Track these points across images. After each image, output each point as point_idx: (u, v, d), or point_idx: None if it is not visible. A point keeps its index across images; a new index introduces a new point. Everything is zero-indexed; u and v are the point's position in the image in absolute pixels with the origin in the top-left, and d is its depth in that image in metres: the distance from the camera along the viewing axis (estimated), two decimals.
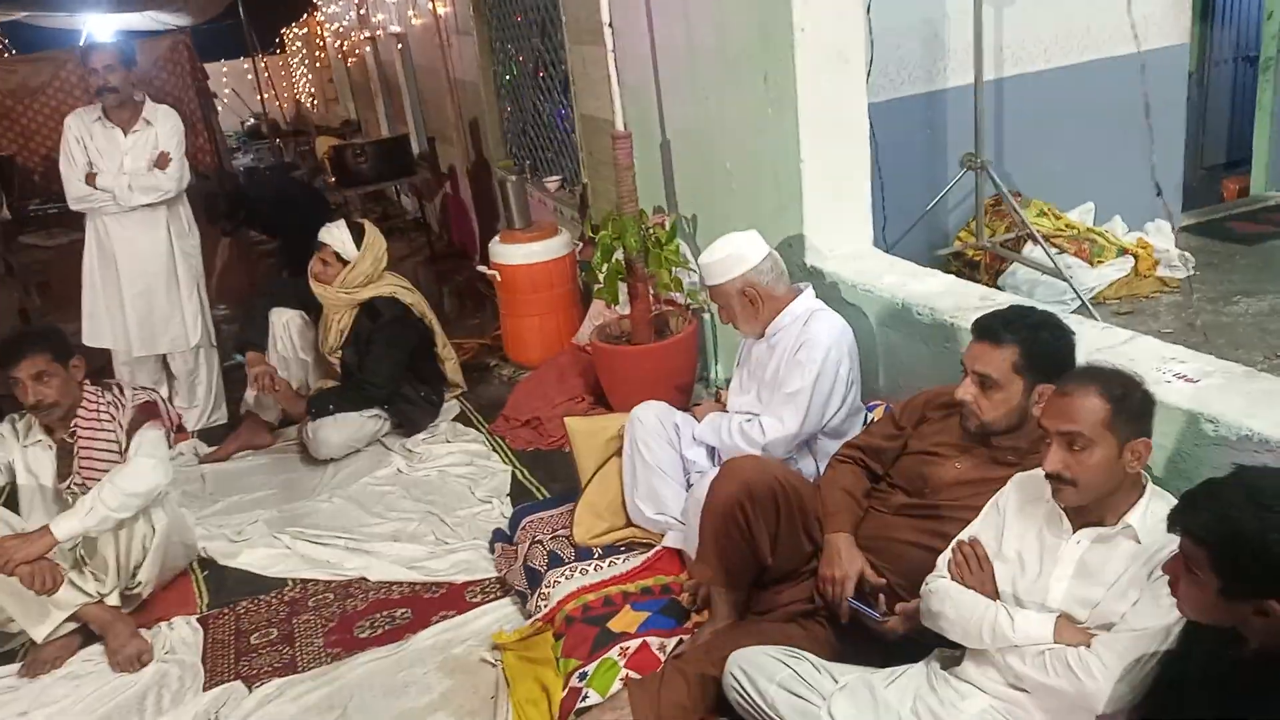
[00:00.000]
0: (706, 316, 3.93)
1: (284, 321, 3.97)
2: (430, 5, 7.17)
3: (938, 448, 2.20)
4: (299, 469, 3.79)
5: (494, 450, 3.74)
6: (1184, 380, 2.00)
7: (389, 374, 3.85)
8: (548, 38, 5.40)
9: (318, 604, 2.89)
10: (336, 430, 3.75)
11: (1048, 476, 1.76)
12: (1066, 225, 4.61)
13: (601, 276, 3.69)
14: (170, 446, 2.96)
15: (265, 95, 16.32)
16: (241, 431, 4.01)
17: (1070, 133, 4.79)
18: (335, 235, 3.85)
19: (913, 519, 2.18)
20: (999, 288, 4.54)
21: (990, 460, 2.12)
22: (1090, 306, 3.95)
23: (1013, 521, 1.95)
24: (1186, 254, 4.57)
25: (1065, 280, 4.02)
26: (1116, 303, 4.32)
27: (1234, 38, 6.64)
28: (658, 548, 2.65)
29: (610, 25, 3.64)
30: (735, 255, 2.68)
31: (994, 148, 4.45)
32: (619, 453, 2.92)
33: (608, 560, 2.67)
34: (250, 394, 3.96)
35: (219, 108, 14.91)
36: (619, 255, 3.70)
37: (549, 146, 5.92)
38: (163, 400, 2.97)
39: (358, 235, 3.89)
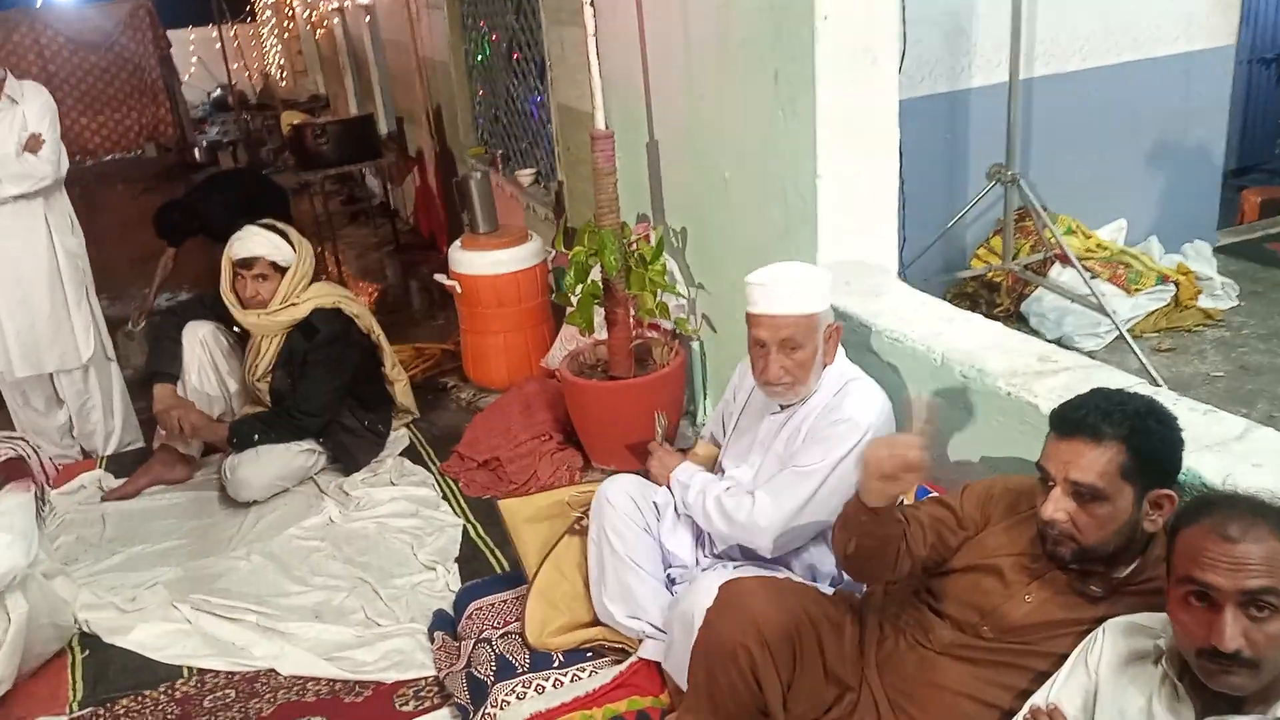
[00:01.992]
0: (695, 345, 3.42)
1: (200, 339, 3.39)
2: None
3: (1000, 567, 1.69)
4: (216, 513, 3.25)
5: (444, 497, 3.21)
6: None
7: (326, 402, 3.31)
8: (524, 16, 4.84)
9: (215, 705, 2.36)
10: (259, 469, 3.20)
11: (1221, 657, 1.25)
12: (1098, 245, 4.13)
13: (575, 300, 3.16)
14: (44, 504, 2.43)
15: (233, 66, 15.60)
16: (153, 464, 3.44)
17: (1102, 141, 4.30)
18: (264, 242, 3.27)
19: (967, 663, 1.68)
20: (1021, 314, 4.08)
21: (1073, 591, 1.63)
22: (1131, 342, 3.47)
23: (1109, 688, 1.46)
24: (1231, 282, 4.10)
25: (1104, 311, 3.53)
26: (1155, 337, 3.84)
27: (1249, 39, 6.23)
28: (633, 659, 2.14)
29: (591, 4, 3.10)
30: (824, 285, 2.13)
31: (1019, 155, 3.95)
32: (573, 530, 2.41)
33: (569, 673, 2.15)
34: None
35: (185, 78, 14.23)
36: (595, 275, 3.18)
37: (524, 136, 5.37)
38: (33, 452, 2.43)
39: (281, 235, 3.33)
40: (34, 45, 12.75)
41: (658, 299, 3.17)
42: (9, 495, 2.26)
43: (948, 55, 3.94)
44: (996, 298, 4.12)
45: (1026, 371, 2.09)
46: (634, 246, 3.20)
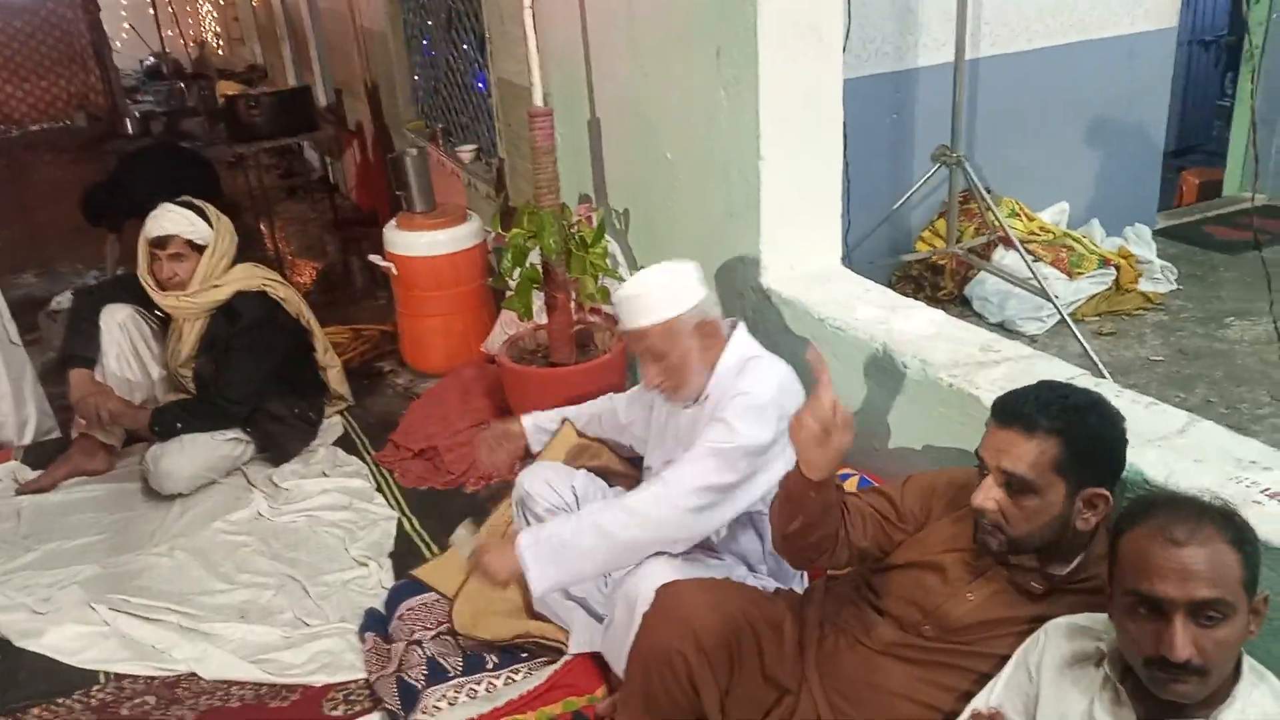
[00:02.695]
0: None
1: (119, 322, 3.22)
2: None
3: (943, 563, 1.66)
4: (138, 505, 3.10)
5: (379, 489, 3.10)
6: (1277, 500, 1.49)
7: (252, 389, 3.17)
8: None
9: (133, 712, 2.24)
10: (184, 460, 3.06)
11: (1171, 666, 1.22)
12: (1041, 228, 4.14)
13: (513, 284, 3.07)
14: None
15: (167, 33, 15.04)
16: (72, 454, 3.28)
17: (1046, 122, 4.31)
18: (179, 220, 3.10)
19: (907, 663, 1.64)
20: (965, 297, 4.07)
21: (1014, 589, 1.60)
22: (1073, 326, 3.48)
23: (1051, 690, 1.44)
24: (1170, 266, 4.14)
25: (1046, 296, 3.53)
26: (1096, 321, 3.86)
27: (1189, 21, 6.30)
28: (566, 657, 2.08)
29: None
30: (683, 282, 2.03)
31: (964, 137, 3.93)
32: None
33: (502, 675, 2.08)
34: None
35: (116, 45, 13.69)
36: (535, 258, 3.08)
37: (464, 110, 5.22)
38: None
39: (198, 212, 3.17)
40: None
41: (599, 283, 3.08)
42: None
43: (895, 34, 3.90)
44: (940, 281, 4.11)
45: (969, 362, 2.05)
46: (575, 228, 3.11)
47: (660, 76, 2.90)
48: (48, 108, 13.05)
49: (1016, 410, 1.53)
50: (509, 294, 3.18)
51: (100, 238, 5.37)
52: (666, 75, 2.86)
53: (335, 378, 3.57)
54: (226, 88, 10.12)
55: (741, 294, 2.69)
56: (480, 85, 4.88)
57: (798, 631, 1.76)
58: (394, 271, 3.80)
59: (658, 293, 2.00)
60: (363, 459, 3.29)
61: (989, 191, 3.93)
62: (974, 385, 1.96)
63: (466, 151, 4.90)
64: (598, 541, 1.88)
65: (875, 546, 1.75)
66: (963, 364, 2.04)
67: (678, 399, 2.08)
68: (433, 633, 2.24)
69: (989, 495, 1.53)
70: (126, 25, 15.32)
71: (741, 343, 2.10)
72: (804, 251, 2.59)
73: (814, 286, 2.50)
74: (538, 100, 3.02)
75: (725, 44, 2.51)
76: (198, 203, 3.21)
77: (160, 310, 3.24)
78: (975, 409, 1.93)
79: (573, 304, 3.15)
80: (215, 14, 15.04)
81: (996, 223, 3.74)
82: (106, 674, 2.37)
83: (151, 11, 14.64)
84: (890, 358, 2.15)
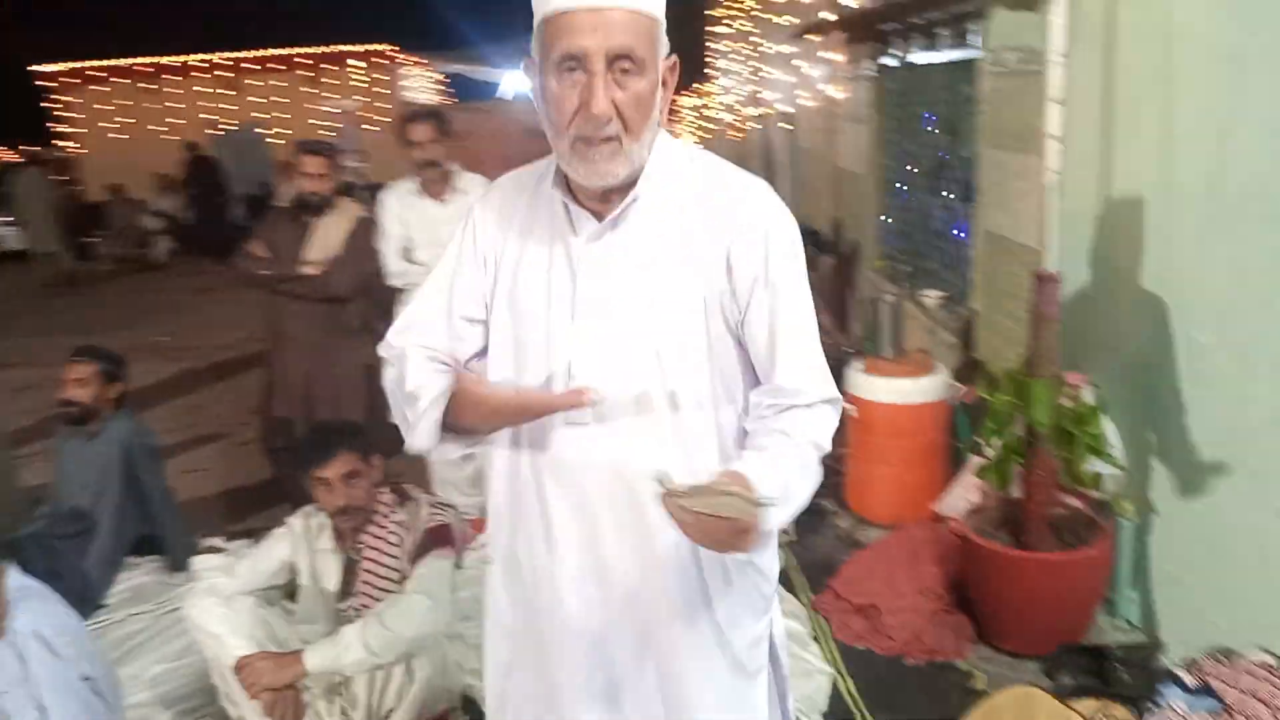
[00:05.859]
0: (1124, 525, 2.96)
1: None
2: (825, 89, 6.72)
3: None
4: None
5: (814, 637, 3.02)
6: None
7: None
8: (955, 136, 4.68)
9: None
10: None
11: None
12: None
13: (991, 451, 2.87)
14: (459, 569, 2.59)
15: None
16: None
17: None
18: None
19: None
20: None
21: None
22: None
23: None
24: None
25: None
26: None
27: None
28: None
29: (1057, 138, 2.86)
30: None
31: None
32: None
33: None
34: None
35: None
36: (1018, 428, 2.87)
37: (933, 256, 5.16)
38: (459, 521, 2.61)
39: None
40: (500, 133, 14.73)
41: (1087, 468, 2.79)
42: (433, 560, 2.43)
43: None
44: None
45: None
46: (1067, 402, 2.86)
47: (1198, 245, 2.59)
48: None
49: None
50: (979, 459, 3.00)
51: None
52: (1208, 246, 2.55)
53: None
54: None
55: None
56: (957, 234, 4.80)
57: None
58: (854, 413, 3.78)
59: None
60: (800, 600, 3.24)
61: None
62: None
63: (932, 297, 4.82)
64: None
65: None
66: None
67: (612, 168, 1.29)
68: None
69: None
70: None
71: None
72: None
73: None
74: (1049, 264, 2.85)
75: None
76: None
77: None
78: None
79: (1054, 485, 2.88)
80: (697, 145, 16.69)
81: None
82: None
83: None
84: None
